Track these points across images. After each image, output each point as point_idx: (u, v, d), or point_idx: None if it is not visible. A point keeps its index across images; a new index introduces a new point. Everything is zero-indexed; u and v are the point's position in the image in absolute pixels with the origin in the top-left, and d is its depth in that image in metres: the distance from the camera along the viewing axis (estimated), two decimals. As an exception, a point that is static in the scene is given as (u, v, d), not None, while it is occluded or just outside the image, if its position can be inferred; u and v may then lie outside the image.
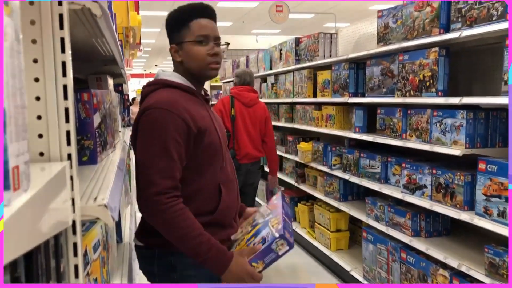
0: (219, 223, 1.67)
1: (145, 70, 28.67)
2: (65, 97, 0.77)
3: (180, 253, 1.57)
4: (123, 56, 3.90)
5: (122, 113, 3.04)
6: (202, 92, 1.77)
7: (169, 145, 1.52)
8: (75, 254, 0.79)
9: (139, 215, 6.00)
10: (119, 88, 3.09)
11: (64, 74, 0.77)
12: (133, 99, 11.36)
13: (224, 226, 1.70)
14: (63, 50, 0.76)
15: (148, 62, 25.23)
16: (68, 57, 0.77)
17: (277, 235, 1.49)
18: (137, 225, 1.82)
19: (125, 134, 2.52)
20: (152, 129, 1.56)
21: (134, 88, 27.23)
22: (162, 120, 1.54)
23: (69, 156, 0.79)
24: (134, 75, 26.20)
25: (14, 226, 0.44)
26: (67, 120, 0.78)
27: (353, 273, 3.68)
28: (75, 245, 0.79)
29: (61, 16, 0.75)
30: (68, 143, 0.78)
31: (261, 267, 1.51)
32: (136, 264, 2.68)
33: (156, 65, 26.98)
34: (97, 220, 1.13)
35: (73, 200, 0.79)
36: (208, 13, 1.70)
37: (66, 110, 0.77)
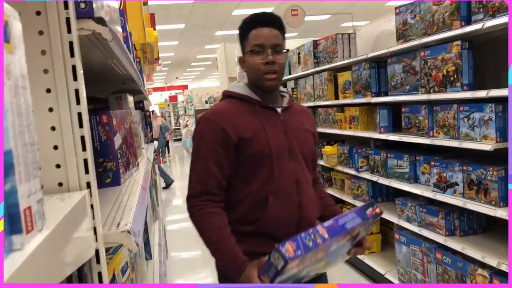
0: (266, 233, 1.64)
1: (166, 83, 29.02)
2: (80, 125, 0.76)
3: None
4: (143, 72, 3.93)
5: (145, 129, 3.06)
6: (285, 102, 1.74)
7: (205, 153, 1.62)
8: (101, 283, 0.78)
9: (168, 229, 6.07)
10: (140, 104, 3.11)
11: (78, 102, 0.76)
12: (152, 111, 11.48)
13: (275, 238, 1.62)
14: (75, 78, 0.75)
15: (169, 75, 25.54)
16: (81, 84, 0.76)
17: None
18: (166, 240, 1.86)
19: (149, 151, 2.53)
20: (196, 137, 1.67)
21: (156, 101, 27.60)
22: (203, 130, 1.65)
23: (88, 185, 0.77)
24: (155, 89, 26.54)
25: (29, 270, 0.42)
26: (84, 148, 0.76)
27: (387, 276, 3.60)
28: (100, 274, 0.78)
29: (71, 43, 0.74)
30: (86, 171, 0.77)
31: (267, 280, 1.46)
32: (167, 280, 2.68)
33: (176, 78, 27.28)
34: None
35: (95, 228, 0.77)
36: (267, 21, 1.66)
37: (82, 138, 0.76)
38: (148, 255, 2.24)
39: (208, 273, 4.58)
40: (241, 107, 1.67)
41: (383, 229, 4.14)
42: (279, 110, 1.71)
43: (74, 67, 0.75)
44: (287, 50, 1.70)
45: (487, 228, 2.88)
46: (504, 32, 2.58)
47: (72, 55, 0.74)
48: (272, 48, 1.63)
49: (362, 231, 1.59)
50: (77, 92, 0.75)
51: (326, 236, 1.45)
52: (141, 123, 2.69)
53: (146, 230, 2.23)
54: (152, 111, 11.95)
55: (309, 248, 1.40)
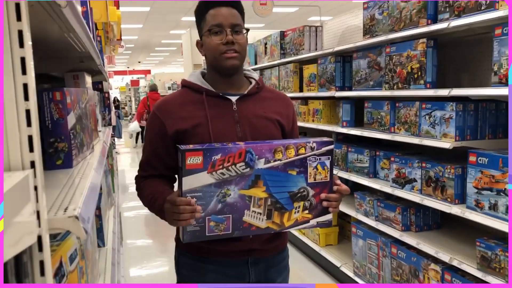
0: None
1: (128, 67, 28.34)
2: (26, 98, 0.68)
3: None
4: (103, 53, 3.78)
5: (103, 111, 2.93)
6: (247, 90, 1.64)
7: (147, 143, 1.68)
8: (42, 274, 0.71)
9: (125, 215, 5.89)
10: (99, 86, 2.98)
11: (24, 72, 0.68)
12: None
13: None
14: (21, 45, 0.67)
15: (131, 59, 24.92)
16: (28, 52, 0.68)
17: None
18: (121, 227, 1.84)
19: (106, 134, 2.42)
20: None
21: (117, 85, 26.90)
22: (148, 120, 1.70)
23: (33, 164, 0.70)
24: (117, 72, 25.87)
25: None
26: (29, 124, 0.69)
27: (343, 269, 3.64)
28: (41, 263, 0.71)
29: (17, 5, 0.66)
30: (31, 149, 0.70)
31: (178, 192, 1.39)
32: (121, 268, 2.59)
33: (139, 62, 26.68)
34: (72, 229, 1.04)
35: (38, 213, 0.70)
36: (224, 0, 1.57)
37: (28, 112, 0.69)
38: (101, 242, 2.15)
39: (164, 262, 4.50)
40: (188, 98, 1.62)
41: (340, 222, 4.18)
42: (233, 98, 1.61)
43: (20, 32, 0.67)
44: (247, 30, 1.61)
45: (441, 225, 2.94)
46: (468, 32, 2.63)
47: (18, 18, 0.66)
48: (231, 27, 1.54)
49: (313, 164, 1.46)
50: (23, 60, 0.67)
51: (240, 143, 1.40)
52: (99, 105, 2.57)
53: (99, 216, 2.13)
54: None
55: (213, 146, 1.35)
